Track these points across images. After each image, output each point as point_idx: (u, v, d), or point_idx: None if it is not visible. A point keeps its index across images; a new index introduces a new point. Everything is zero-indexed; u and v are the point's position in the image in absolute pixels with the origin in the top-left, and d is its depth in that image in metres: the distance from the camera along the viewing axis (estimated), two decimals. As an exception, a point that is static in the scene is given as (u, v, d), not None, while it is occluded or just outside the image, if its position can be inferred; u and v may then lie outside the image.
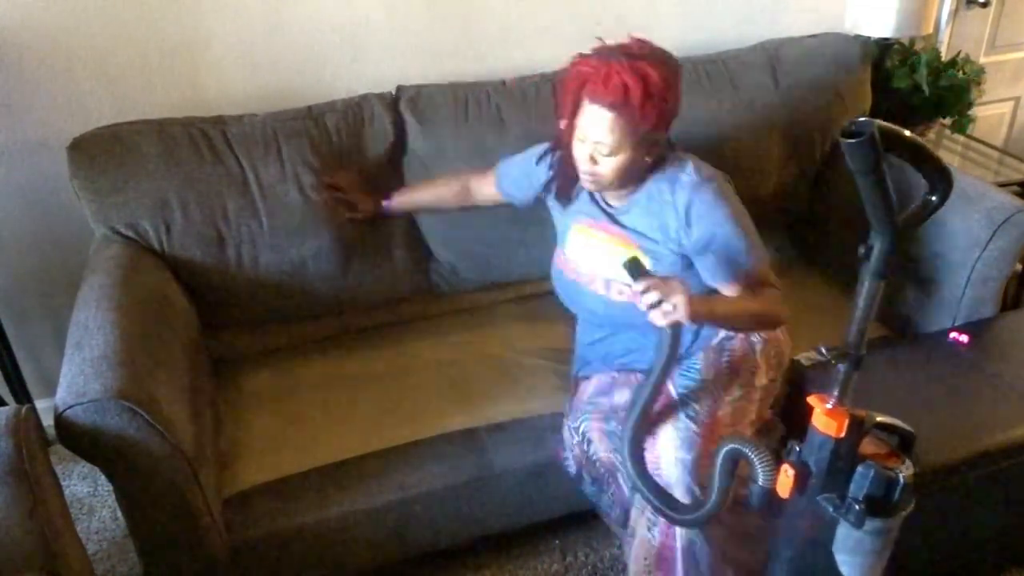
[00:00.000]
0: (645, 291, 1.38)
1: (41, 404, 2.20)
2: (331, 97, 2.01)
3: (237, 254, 1.89)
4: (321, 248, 1.93)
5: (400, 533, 1.74)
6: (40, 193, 2.04)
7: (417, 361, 2.04)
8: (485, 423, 1.83)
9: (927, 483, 1.62)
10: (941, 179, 1.12)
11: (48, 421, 1.35)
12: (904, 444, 1.32)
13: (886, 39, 2.47)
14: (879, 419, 1.28)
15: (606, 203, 1.67)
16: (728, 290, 1.59)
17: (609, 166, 1.53)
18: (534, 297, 2.25)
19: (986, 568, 1.93)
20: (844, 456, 1.25)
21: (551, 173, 1.73)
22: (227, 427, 1.83)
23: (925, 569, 1.80)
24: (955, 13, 2.81)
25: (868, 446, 1.29)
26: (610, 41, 1.54)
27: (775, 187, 2.30)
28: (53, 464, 1.36)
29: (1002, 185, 2.27)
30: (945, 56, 2.63)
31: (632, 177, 1.58)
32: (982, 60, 2.86)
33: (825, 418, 1.24)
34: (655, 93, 1.45)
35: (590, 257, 1.70)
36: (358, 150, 1.97)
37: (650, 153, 1.55)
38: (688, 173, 1.57)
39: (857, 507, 1.23)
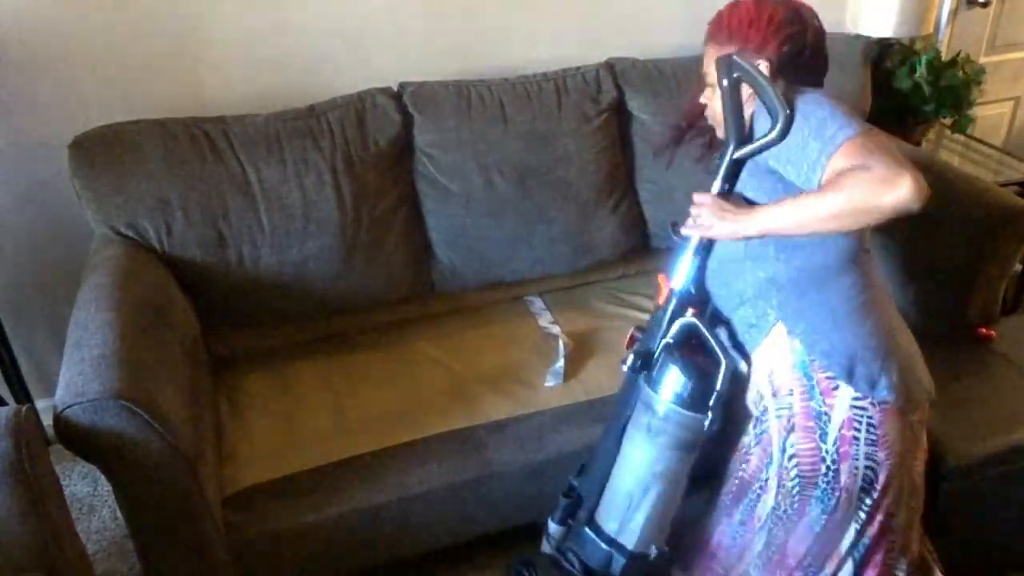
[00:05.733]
0: (703, 195, 1.40)
1: (41, 404, 2.20)
2: (332, 97, 2.02)
3: (238, 254, 1.89)
4: (322, 248, 1.93)
5: (400, 533, 1.74)
6: (40, 193, 2.04)
7: (417, 361, 2.04)
8: (485, 423, 1.83)
9: (957, 478, 1.65)
10: (784, 119, 1.28)
11: (48, 421, 1.35)
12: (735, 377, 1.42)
13: (886, 39, 2.48)
14: (710, 335, 1.42)
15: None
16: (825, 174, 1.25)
17: (712, 104, 1.46)
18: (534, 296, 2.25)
19: (1009, 566, 1.93)
20: (658, 321, 1.46)
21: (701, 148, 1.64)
22: (227, 427, 1.83)
23: (952, 565, 1.79)
24: (955, 13, 2.81)
25: (693, 351, 1.43)
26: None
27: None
28: (53, 464, 1.35)
29: (1002, 185, 2.27)
30: (945, 56, 2.63)
31: (745, 118, 1.40)
32: (982, 60, 2.86)
33: (662, 290, 1.47)
34: (748, 16, 1.40)
35: None
36: (362, 145, 1.97)
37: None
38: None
39: (639, 361, 1.44)
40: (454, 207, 2.05)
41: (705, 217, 1.38)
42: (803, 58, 1.41)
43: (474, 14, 2.21)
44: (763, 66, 1.37)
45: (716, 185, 1.39)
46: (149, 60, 2.00)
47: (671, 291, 1.46)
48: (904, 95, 2.53)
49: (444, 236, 2.08)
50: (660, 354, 1.45)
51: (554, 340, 2.05)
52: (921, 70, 2.52)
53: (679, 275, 1.46)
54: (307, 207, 1.91)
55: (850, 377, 1.33)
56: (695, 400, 1.38)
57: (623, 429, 1.48)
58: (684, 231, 1.43)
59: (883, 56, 2.53)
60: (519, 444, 1.79)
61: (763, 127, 1.32)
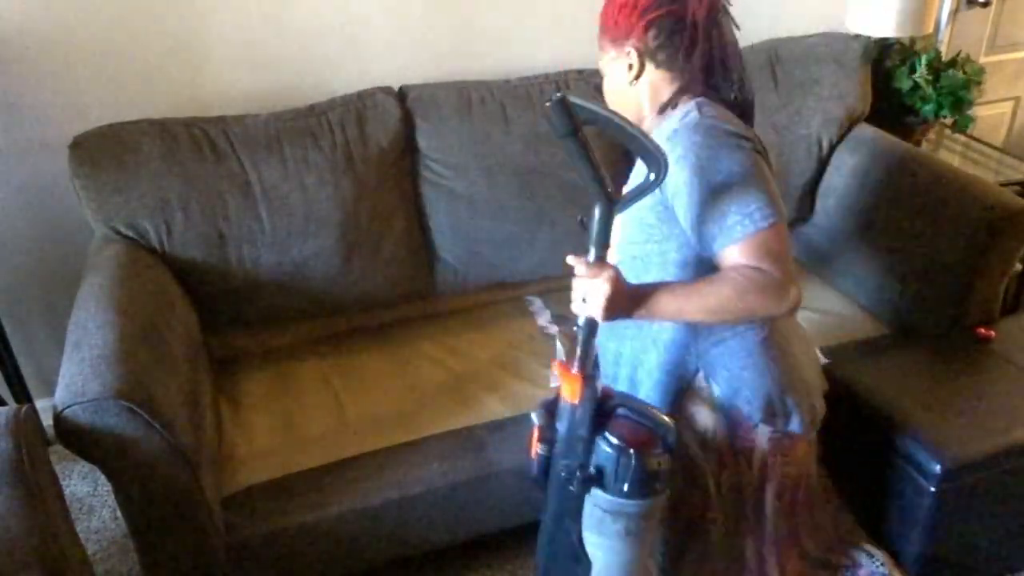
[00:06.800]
0: (578, 262, 1.19)
1: (41, 404, 2.20)
2: (332, 97, 2.02)
3: (238, 254, 1.89)
4: (322, 248, 1.93)
5: (400, 533, 1.74)
6: (40, 193, 2.04)
7: (417, 361, 2.04)
8: (485, 423, 1.83)
9: (956, 477, 1.64)
10: (654, 160, 1.14)
11: (48, 421, 1.35)
12: (644, 422, 1.26)
13: (886, 39, 2.47)
14: (637, 406, 1.25)
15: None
16: (720, 259, 1.26)
17: (606, 96, 1.40)
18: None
19: (1008, 566, 1.93)
20: (580, 423, 1.23)
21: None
22: (227, 427, 1.83)
23: (951, 565, 1.80)
24: (955, 13, 2.81)
25: (628, 431, 1.24)
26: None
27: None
28: (53, 464, 1.36)
29: (1002, 185, 2.27)
30: (945, 56, 2.63)
31: (631, 109, 1.36)
32: (982, 60, 2.86)
33: (566, 383, 1.23)
34: (617, 1, 1.32)
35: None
36: (363, 144, 1.97)
37: (645, 82, 1.33)
38: (693, 111, 1.29)
39: (579, 475, 1.22)
40: (457, 209, 2.05)
41: (592, 299, 1.18)
42: (685, 42, 1.30)
43: (474, 15, 2.21)
44: (633, 56, 1.31)
45: (591, 253, 1.19)
46: (149, 60, 2.00)
47: (585, 380, 1.23)
48: (904, 95, 2.53)
49: (447, 238, 2.08)
50: (594, 453, 1.24)
51: (554, 340, 2.06)
52: (921, 70, 2.52)
53: (584, 359, 1.24)
54: (307, 207, 1.91)
55: (770, 418, 1.38)
56: (649, 482, 1.23)
57: (578, 541, 1.32)
58: (573, 309, 1.22)
59: (883, 56, 2.52)
60: (519, 444, 1.79)
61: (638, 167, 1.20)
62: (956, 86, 2.50)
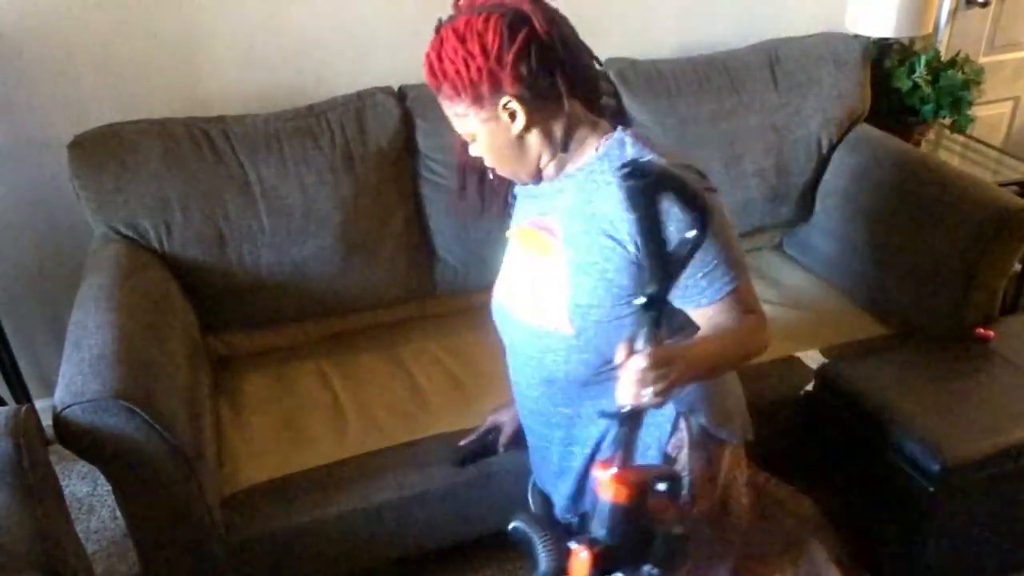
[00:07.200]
0: (642, 357, 1.03)
1: (41, 404, 2.19)
2: (332, 96, 2.02)
3: (238, 254, 1.89)
4: (322, 248, 1.93)
5: (400, 533, 1.74)
6: (40, 193, 2.04)
7: (417, 361, 2.03)
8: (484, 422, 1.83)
9: (956, 477, 1.64)
10: (700, 216, 1.02)
11: (48, 421, 1.35)
12: (673, 488, 1.16)
13: (886, 39, 2.48)
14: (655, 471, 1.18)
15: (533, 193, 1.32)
16: (700, 314, 1.23)
17: (479, 150, 1.25)
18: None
19: (1007, 567, 1.93)
20: (637, 521, 1.09)
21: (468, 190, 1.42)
22: (227, 427, 1.83)
23: (950, 566, 1.80)
24: (955, 13, 2.81)
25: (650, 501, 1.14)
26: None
27: (774, 188, 2.30)
28: (53, 464, 1.36)
29: (1002, 185, 2.27)
30: (945, 56, 2.64)
31: (531, 159, 1.24)
32: (982, 60, 2.86)
33: (614, 485, 1.07)
34: (458, 55, 1.15)
35: (519, 267, 1.36)
36: (362, 144, 1.96)
37: (535, 124, 1.20)
38: (647, 155, 1.19)
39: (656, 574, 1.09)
40: (456, 208, 2.05)
41: (660, 384, 1.04)
42: (561, 62, 1.17)
43: (474, 14, 2.21)
44: (514, 105, 1.15)
45: (645, 339, 1.05)
46: (149, 60, 2.00)
47: (637, 485, 1.08)
48: (903, 95, 2.53)
49: (447, 238, 2.08)
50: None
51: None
52: (920, 70, 2.52)
53: (624, 454, 1.09)
54: (307, 207, 1.91)
55: (740, 433, 1.38)
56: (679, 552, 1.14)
57: None
58: (626, 400, 1.05)
59: (883, 56, 2.53)
60: (518, 444, 1.79)
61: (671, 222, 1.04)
62: (955, 86, 2.51)
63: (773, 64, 2.27)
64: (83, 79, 1.97)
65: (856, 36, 2.37)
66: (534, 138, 1.22)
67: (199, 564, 1.55)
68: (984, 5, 2.82)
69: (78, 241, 1.97)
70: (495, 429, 1.72)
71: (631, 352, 1.05)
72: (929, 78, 2.51)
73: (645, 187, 0.96)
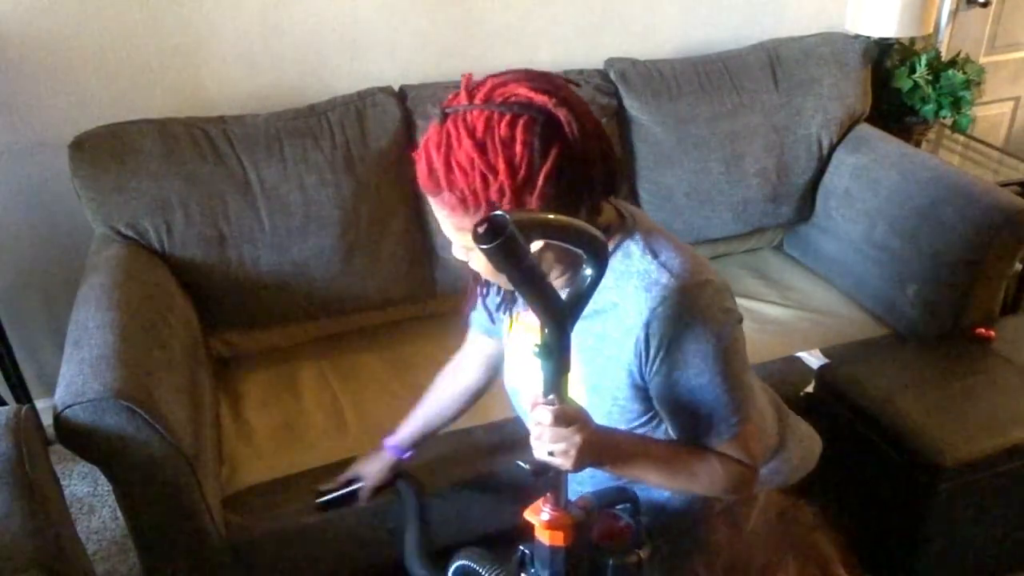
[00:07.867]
0: (544, 410, 0.98)
1: (41, 404, 2.20)
2: (332, 96, 2.01)
3: (238, 254, 1.89)
4: (322, 248, 1.93)
5: (400, 533, 1.74)
6: (40, 193, 2.04)
7: (417, 361, 2.03)
8: (485, 423, 1.83)
9: (956, 477, 1.64)
10: (596, 250, 0.91)
11: (48, 421, 1.35)
12: (633, 509, 1.13)
13: (886, 39, 2.48)
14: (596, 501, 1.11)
15: None
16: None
17: (479, 267, 1.11)
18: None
19: (1007, 567, 1.93)
20: (579, 559, 1.06)
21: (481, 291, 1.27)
22: (227, 427, 1.83)
23: (951, 565, 1.80)
24: (955, 13, 2.81)
25: (600, 528, 1.12)
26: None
27: (775, 188, 2.30)
28: (53, 464, 1.36)
29: (1002, 185, 2.27)
30: (945, 56, 2.64)
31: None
32: (982, 60, 2.86)
33: (547, 531, 1.04)
34: (475, 168, 0.97)
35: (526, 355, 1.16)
36: (363, 144, 1.96)
37: (552, 247, 1.05)
38: (656, 271, 1.06)
39: None
40: (455, 208, 2.05)
41: (562, 452, 0.99)
42: (590, 180, 1.01)
43: (474, 15, 2.21)
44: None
45: (550, 396, 0.99)
46: (149, 60, 2.00)
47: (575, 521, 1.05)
48: (904, 95, 2.53)
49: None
50: None
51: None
52: (921, 70, 2.52)
53: (559, 498, 1.06)
54: (307, 207, 1.90)
55: None
56: None
57: None
58: (537, 457, 1.01)
59: (883, 56, 2.52)
60: (519, 444, 1.79)
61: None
62: (956, 86, 2.51)
63: (774, 64, 2.28)
64: (83, 79, 1.97)
65: (857, 36, 2.37)
66: (548, 257, 1.07)
67: (199, 564, 1.55)
68: (985, 5, 2.82)
69: (78, 241, 1.97)
70: (357, 480, 1.62)
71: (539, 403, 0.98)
72: (930, 78, 2.51)
73: (501, 246, 0.81)
